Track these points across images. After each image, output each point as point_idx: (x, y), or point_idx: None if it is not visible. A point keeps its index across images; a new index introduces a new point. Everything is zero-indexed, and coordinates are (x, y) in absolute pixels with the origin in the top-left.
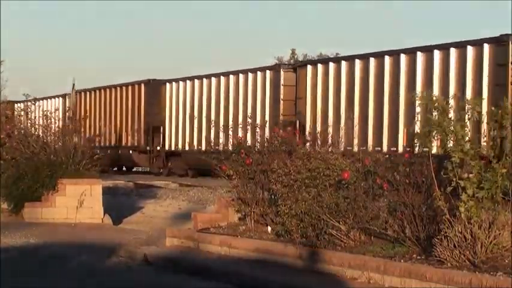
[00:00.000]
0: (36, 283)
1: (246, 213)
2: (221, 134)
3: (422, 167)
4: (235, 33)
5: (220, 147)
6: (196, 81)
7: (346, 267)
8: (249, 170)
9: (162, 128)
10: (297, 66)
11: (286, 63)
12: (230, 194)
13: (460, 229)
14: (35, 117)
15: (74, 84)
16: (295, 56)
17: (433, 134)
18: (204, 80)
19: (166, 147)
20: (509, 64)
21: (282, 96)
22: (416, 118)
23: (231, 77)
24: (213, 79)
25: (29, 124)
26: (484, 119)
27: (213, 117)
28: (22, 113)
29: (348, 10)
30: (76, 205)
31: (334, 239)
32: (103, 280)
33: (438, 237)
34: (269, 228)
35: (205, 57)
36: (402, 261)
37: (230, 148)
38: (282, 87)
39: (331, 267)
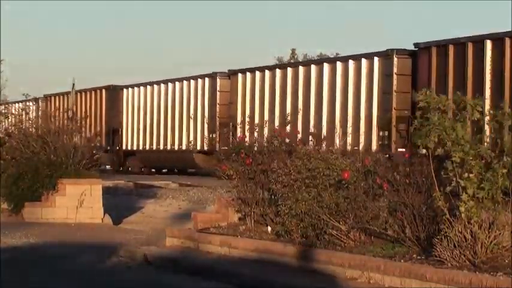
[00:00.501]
0: (36, 283)
1: (246, 213)
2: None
3: (422, 167)
4: (235, 33)
5: (176, 147)
6: (149, 87)
7: (346, 267)
8: (249, 170)
9: (120, 130)
10: (230, 74)
11: (222, 71)
12: (230, 194)
13: (460, 229)
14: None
15: (73, 84)
16: (295, 56)
17: (434, 134)
18: (155, 86)
19: (124, 147)
20: (394, 75)
21: (218, 101)
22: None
23: (177, 83)
24: (162, 85)
25: (28, 124)
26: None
27: (162, 119)
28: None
29: (348, 10)
30: (76, 205)
31: (334, 239)
32: (103, 280)
33: (438, 237)
34: (269, 228)
35: (206, 57)
36: (402, 261)
37: (177, 147)
38: (218, 93)
39: (331, 267)
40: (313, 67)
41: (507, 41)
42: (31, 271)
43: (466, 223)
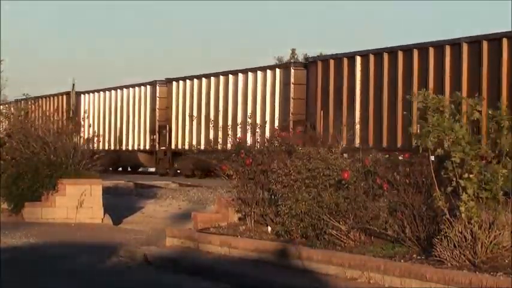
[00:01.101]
0: (36, 283)
1: (246, 213)
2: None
3: (422, 167)
4: (235, 33)
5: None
6: (102, 94)
7: (346, 267)
8: (249, 170)
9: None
10: (167, 82)
11: (161, 79)
12: (230, 194)
13: (460, 229)
14: None
15: (73, 85)
16: (295, 56)
17: (435, 134)
18: (107, 92)
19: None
20: (291, 84)
21: (157, 106)
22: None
23: (124, 90)
24: (112, 92)
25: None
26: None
27: (118, 123)
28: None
29: (348, 10)
30: (76, 205)
31: (334, 239)
32: (103, 280)
33: (438, 237)
34: (269, 228)
35: (206, 57)
36: (402, 261)
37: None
38: (157, 99)
39: (331, 267)
40: (230, 77)
41: (371, 57)
42: (31, 271)
43: (466, 223)
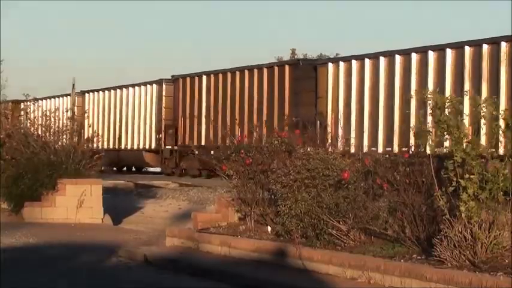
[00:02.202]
0: (36, 283)
1: (246, 213)
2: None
3: (423, 166)
4: (235, 33)
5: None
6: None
7: (346, 267)
8: (249, 170)
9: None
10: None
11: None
12: (230, 194)
13: (460, 229)
14: None
15: (73, 85)
16: (295, 56)
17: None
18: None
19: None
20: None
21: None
22: None
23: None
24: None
25: (28, 124)
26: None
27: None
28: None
29: (348, 10)
30: (76, 205)
31: (334, 239)
32: (103, 280)
33: (438, 237)
34: (269, 228)
35: (206, 57)
36: (402, 261)
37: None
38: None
39: (331, 267)
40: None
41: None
42: (31, 271)
43: (466, 223)
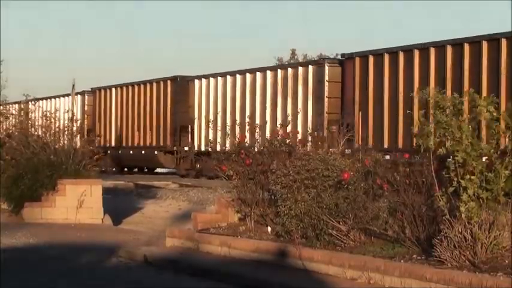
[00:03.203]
0: (36, 284)
1: (246, 214)
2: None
3: (423, 167)
4: (235, 33)
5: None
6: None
7: (346, 267)
8: (248, 171)
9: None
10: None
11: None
12: (230, 194)
13: (460, 229)
14: None
15: (73, 85)
16: (295, 56)
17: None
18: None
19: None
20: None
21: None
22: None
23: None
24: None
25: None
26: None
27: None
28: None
29: (348, 9)
30: (76, 205)
31: (334, 240)
32: (103, 281)
33: (438, 237)
34: (269, 229)
35: (206, 57)
36: (402, 261)
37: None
38: None
39: (331, 268)
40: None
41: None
42: (31, 272)
43: (466, 223)
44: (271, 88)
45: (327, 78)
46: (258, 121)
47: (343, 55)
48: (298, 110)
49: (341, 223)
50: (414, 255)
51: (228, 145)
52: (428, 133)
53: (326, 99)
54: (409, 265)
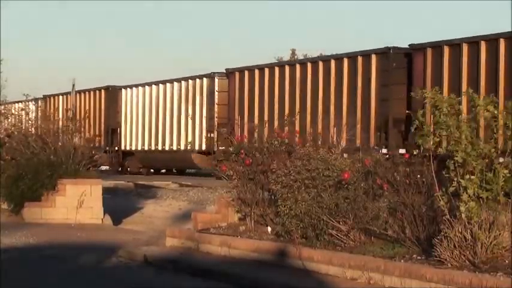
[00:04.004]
0: (36, 284)
1: (246, 214)
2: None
3: (423, 167)
4: (235, 33)
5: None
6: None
7: (346, 267)
8: (248, 171)
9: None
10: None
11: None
12: (230, 194)
13: (460, 229)
14: None
15: (73, 85)
16: (296, 56)
17: (439, 132)
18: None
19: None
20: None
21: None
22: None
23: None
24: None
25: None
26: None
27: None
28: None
29: (348, 9)
30: (76, 205)
31: (334, 240)
32: (103, 280)
33: (438, 237)
34: (269, 229)
35: (206, 57)
36: (402, 261)
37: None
38: (216, 93)
39: (331, 268)
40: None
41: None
42: (31, 272)
43: (466, 223)
44: (177, 96)
45: (216, 88)
46: (168, 123)
47: (227, 69)
48: (193, 114)
49: (341, 223)
50: (414, 255)
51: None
52: (427, 133)
53: (216, 106)
54: (409, 265)
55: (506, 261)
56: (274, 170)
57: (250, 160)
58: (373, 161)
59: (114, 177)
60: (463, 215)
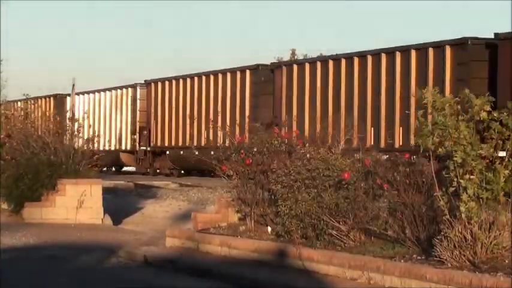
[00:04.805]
0: (36, 284)
1: (246, 214)
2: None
3: (423, 167)
4: (235, 33)
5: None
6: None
7: (346, 267)
8: (249, 170)
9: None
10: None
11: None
12: (230, 194)
13: (460, 229)
14: None
15: (73, 85)
16: (295, 56)
17: (437, 133)
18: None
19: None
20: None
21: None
22: None
23: (195, 78)
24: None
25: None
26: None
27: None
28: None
29: (348, 9)
30: (76, 205)
31: (334, 240)
32: (103, 281)
33: (438, 237)
34: (269, 229)
35: (206, 57)
36: (402, 261)
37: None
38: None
39: (331, 268)
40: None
41: None
42: (31, 272)
43: (466, 223)
44: (110, 104)
45: (138, 97)
46: (102, 126)
47: (145, 81)
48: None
49: (341, 223)
50: (414, 255)
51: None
52: (427, 133)
53: (138, 112)
54: (409, 265)
55: (506, 261)
56: (274, 169)
57: (250, 160)
58: (373, 161)
59: (114, 178)
60: (463, 215)
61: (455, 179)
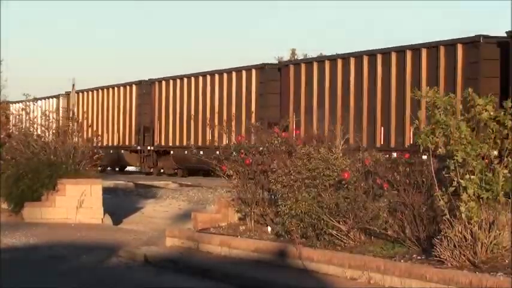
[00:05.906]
0: (36, 283)
1: (246, 214)
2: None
3: (423, 167)
4: (235, 33)
5: None
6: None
7: (346, 267)
8: (249, 170)
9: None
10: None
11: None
12: (230, 194)
13: (460, 229)
14: None
15: (73, 85)
16: (295, 56)
17: (437, 133)
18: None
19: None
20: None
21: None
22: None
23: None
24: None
25: (28, 124)
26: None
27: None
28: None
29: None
30: (76, 205)
31: (334, 239)
32: (103, 280)
33: (438, 237)
34: (269, 229)
35: (206, 57)
36: (402, 261)
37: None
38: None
39: (331, 268)
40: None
41: None
42: (31, 272)
43: (466, 223)
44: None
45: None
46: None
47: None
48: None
49: (341, 223)
50: (414, 255)
51: None
52: (427, 133)
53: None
54: (409, 265)
55: (506, 261)
56: (274, 169)
57: (250, 160)
58: (373, 161)
59: (114, 177)
60: (463, 215)
61: (455, 179)
